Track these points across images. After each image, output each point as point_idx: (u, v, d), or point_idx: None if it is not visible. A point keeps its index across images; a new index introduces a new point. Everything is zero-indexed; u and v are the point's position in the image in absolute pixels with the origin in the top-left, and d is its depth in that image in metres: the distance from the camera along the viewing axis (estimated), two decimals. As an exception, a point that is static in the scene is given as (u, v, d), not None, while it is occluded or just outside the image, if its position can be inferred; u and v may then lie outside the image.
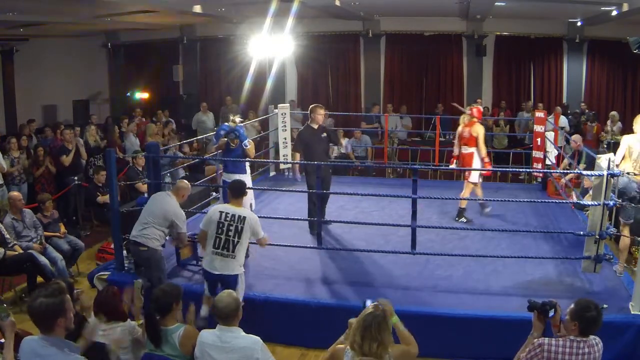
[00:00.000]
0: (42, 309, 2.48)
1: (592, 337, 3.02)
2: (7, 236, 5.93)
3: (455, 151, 7.24)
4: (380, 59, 13.03)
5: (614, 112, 10.74)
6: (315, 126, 6.58)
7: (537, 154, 8.29)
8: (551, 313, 3.16)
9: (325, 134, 6.64)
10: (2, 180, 7.44)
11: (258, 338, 3.21)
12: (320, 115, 6.59)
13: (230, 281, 4.40)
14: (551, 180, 8.17)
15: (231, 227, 4.41)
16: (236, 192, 4.58)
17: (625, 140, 5.56)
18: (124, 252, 5.60)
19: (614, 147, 9.70)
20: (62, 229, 6.71)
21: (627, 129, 11.08)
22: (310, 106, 6.71)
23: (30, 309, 2.53)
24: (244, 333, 3.22)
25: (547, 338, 3.06)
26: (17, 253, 5.84)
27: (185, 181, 5.41)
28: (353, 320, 2.99)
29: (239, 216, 4.44)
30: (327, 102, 13.09)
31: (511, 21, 12.12)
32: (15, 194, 6.45)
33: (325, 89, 13.45)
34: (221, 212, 4.46)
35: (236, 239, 4.40)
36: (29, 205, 7.13)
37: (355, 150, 10.93)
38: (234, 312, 3.20)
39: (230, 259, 4.41)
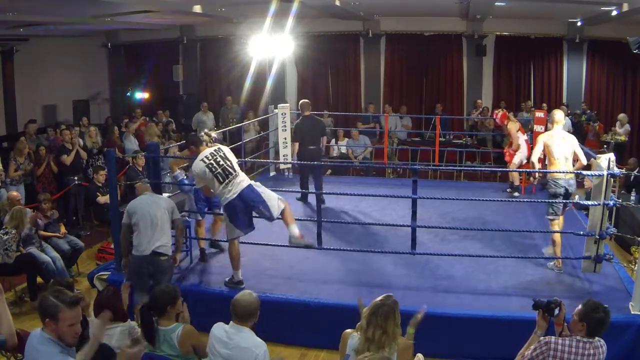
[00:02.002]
0: (38, 302, 2.70)
1: (597, 338, 3.03)
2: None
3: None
4: (380, 59, 13.02)
5: (622, 115, 10.76)
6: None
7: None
8: (556, 312, 3.17)
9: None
10: (-1, 182, 7.45)
11: (263, 343, 3.21)
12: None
13: (253, 191, 4.92)
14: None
15: (218, 159, 4.89)
16: (195, 142, 5.08)
17: (541, 139, 5.68)
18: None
19: (615, 147, 9.74)
20: (62, 229, 6.72)
21: (633, 130, 11.15)
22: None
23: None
24: (252, 335, 3.23)
25: (553, 337, 3.07)
26: (18, 253, 5.84)
27: (141, 183, 5.39)
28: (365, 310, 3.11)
29: (216, 149, 4.97)
30: (327, 102, 13.12)
31: (511, 21, 12.11)
32: (14, 193, 6.46)
33: (325, 89, 13.45)
34: (202, 160, 4.85)
35: (228, 163, 4.92)
36: (27, 205, 7.13)
37: (354, 151, 10.95)
38: (253, 312, 3.23)
39: (237, 178, 4.91)
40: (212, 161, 4.88)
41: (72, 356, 2.65)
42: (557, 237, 5.51)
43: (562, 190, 5.53)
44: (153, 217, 4.75)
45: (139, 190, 5.09)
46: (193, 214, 5.84)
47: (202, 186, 5.01)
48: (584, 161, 5.64)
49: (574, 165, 5.62)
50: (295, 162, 7.92)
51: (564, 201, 5.54)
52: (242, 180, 4.97)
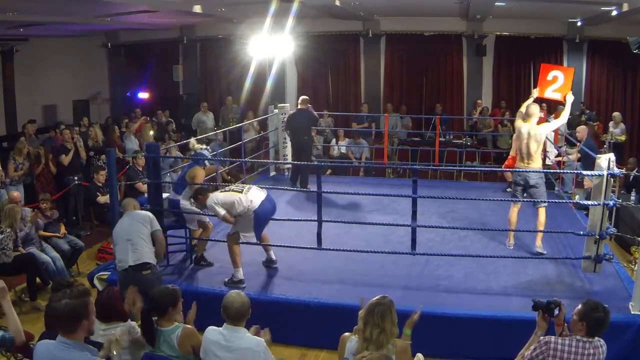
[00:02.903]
0: (67, 310, 2.44)
1: (597, 339, 3.03)
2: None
3: None
4: (380, 59, 13.02)
5: (616, 113, 10.75)
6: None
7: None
8: (556, 312, 3.17)
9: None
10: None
11: (262, 340, 3.23)
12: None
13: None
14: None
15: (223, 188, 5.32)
16: (202, 192, 5.36)
17: (517, 121, 6.03)
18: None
19: (614, 147, 9.75)
20: (62, 229, 6.71)
21: (630, 130, 11.15)
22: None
23: (52, 309, 2.49)
24: (249, 334, 3.23)
25: (553, 337, 3.07)
26: (18, 253, 5.84)
27: (128, 199, 5.19)
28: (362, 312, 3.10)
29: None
30: (327, 102, 13.12)
31: (511, 21, 12.11)
32: (15, 193, 6.44)
33: (325, 89, 13.45)
34: (214, 194, 5.16)
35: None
36: (27, 205, 7.13)
37: (354, 153, 10.97)
38: (246, 312, 3.23)
39: (251, 187, 5.30)
40: (219, 189, 5.27)
41: (97, 357, 2.58)
42: (513, 218, 6.10)
43: (520, 180, 5.95)
44: (127, 233, 4.66)
45: (124, 208, 4.94)
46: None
47: (223, 215, 5.07)
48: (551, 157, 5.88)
49: (547, 158, 5.92)
50: (296, 162, 8.04)
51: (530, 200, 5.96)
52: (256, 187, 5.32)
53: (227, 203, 5.04)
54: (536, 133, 5.78)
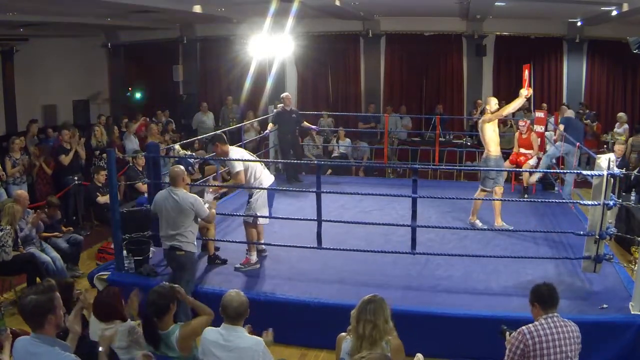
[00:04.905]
0: (32, 306, 2.51)
1: (560, 317, 3.13)
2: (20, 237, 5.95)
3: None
4: (380, 59, 13.03)
5: (621, 114, 10.76)
6: (288, 109, 8.98)
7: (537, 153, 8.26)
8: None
9: (294, 115, 9.08)
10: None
11: (260, 339, 3.22)
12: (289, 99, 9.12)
13: None
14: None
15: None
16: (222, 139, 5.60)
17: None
18: (124, 252, 5.59)
19: (614, 147, 9.73)
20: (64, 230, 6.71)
21: (630, 130, 11.13)
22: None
23: (20, 306, 2.58)
24: (247, 333, 3.23)
25: (524, 326, 3.15)
26: (18, 253, 5.83)
27: (176, 166, 4.99)
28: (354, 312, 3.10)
29: None
30: (327, 102, 13.12)
31: (511, 21, 12.12)
32: (21, 192, 6.41)
33: (325, 89, 13.46)
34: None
35: None
36: (28, 205, 7.11)
37: (353, 154, 10.99)
38: (245, 311, 3.23)
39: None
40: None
41: (68, 351, 2.61)
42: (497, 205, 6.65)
43: None
44: (169, 215, 4.78)
45: (173, 181, 4.82)
46: None
47: (239, 170, 5.41)
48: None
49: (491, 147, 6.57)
50: (301, 161, 8.10)
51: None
52: None
53: (251, 166, 5.49)
54: (479, 124, 6.60)
